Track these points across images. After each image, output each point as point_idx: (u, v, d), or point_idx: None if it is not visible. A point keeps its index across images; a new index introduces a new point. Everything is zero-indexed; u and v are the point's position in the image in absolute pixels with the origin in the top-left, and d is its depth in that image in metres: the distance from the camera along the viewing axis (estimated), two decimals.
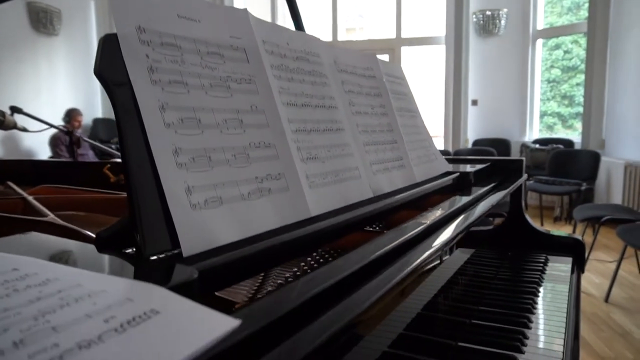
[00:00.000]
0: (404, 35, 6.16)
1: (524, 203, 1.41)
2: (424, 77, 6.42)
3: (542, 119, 5.99)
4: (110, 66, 0.42)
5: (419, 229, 0.64)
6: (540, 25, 5.74)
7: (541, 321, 0.85)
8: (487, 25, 5.73)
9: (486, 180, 1.17)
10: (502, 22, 5.70)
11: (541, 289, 1.00)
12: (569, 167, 4.61)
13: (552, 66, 6.01)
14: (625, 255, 2.85)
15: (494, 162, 1.29)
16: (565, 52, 5.93)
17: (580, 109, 5.30)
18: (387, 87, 1.00)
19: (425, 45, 6.19)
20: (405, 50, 6.20)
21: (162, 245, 0.41)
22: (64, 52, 5.31)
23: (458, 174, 1.07)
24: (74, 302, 0.27)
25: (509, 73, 5.81)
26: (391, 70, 1.08)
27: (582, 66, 5.29)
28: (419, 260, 0.56)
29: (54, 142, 4.73)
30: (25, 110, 1.97)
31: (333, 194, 0.67)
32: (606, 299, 2.80)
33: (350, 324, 0.40)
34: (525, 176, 1.26)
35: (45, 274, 0.31)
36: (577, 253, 1.24)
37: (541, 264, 1.15)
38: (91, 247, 0.41)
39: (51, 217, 0.67)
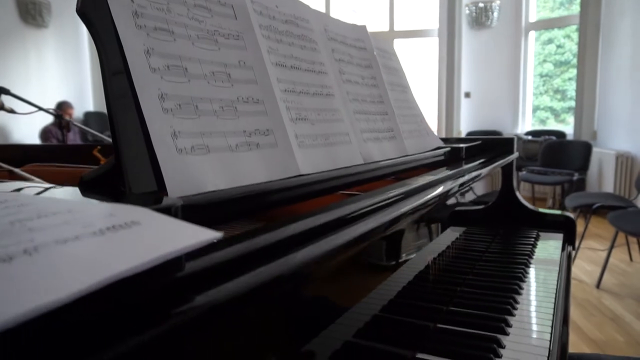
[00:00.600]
0: (396, 28, 6.15)
1: (516, 183, 1.42)
2: (417, 70, 6.42)
3: (535, 113, 6.01)
4: (93, 6, 0.41)
5: (398, 190, 0.64)
6: (533, 18, 5.76)
7: (532, 290, 0.86)
8: (480, 17, 5.74)
9: (477, 157, 1.17)
10: (495, 14, 5.71)
11: (532, 261, 1.01)
12: (561, 158, 4.64)
13: (544, 60, 6.03)
14: (616, 243, 2.87)
15: (485, 140, 1.30)
16: (558, 46, 5.96)
17: (573, 103, 5.32)
18: (378, 61, 1.00)
19: (418, 38, 6.19)
20: (398, 43, 6.20)
21: (147, 187, 0.40)
22: (54, 45, 5.25)
23: (449, 148, 1.07)
24: (52, 214, 0.26)
25: (502, 65, 5.83)
26: (382, 45, 1.07)
27: (575, 60, 5.31)
28: (393, 215, 0.55)
29: (44, 135, 4.68)
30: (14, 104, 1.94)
31: (323, 155, 0.66)
32: (597, 285, 2.82)
33: (310, 266, 0.40)
34: (516, 154, 1.26)
35: (23, 200, 0.31)
36: (568, 229, 1.25)
37: (532, 239, 1.15)
38: (74, 189, 0.40)
39: (37, 180, 0.66)
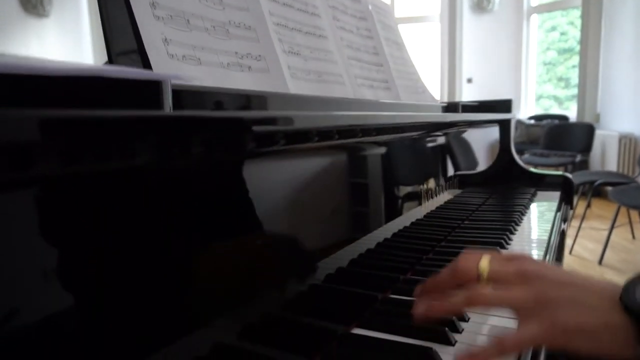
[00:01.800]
0: (397, 14, 6.12)
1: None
2: (419, 56, 6.39)
3: (538, 101, 5.97)
4: None
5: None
6: (535, 2, 5.71)
7: (526, 231, 0.86)
8: (482, 2, 5.70)
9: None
10: None
11: (528, 211, 1.01)
12: (563, 140, 4.62)
13: (548, 48, 5.98)
14: (619, 222, 2.87)
15: (483, 102, 1.30)
16: (562, 33, 5.90)
17: (577, 91, 5.26)
18: (373, 16, 1.00)
19: (419, 23, 6.16)
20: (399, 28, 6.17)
21: None
22: (55, 35, 5.26)
23: (447, 104, 1.08)
24: None
25: (504, 50, 5.79)
26: (377, 2, 1.08)
27: (579, 48, 5.26)
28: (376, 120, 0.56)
29: None
30: None
31: (315, 90, 0.67)
32: (600, 262, 2.82)
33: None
34: (514, 114, 1.27)
35: None
36: (565, 189, 1.25)
37: (530, 194, 1.16)
38: None
39: None
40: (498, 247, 0.64)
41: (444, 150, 0.98)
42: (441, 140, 1.00)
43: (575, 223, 3.32)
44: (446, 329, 0.47)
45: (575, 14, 5.40)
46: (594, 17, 4.84)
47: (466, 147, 1.16)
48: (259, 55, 0.57)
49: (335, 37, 0.80)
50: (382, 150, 0.67)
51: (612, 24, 4.71)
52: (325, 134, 0.45)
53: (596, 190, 4.78)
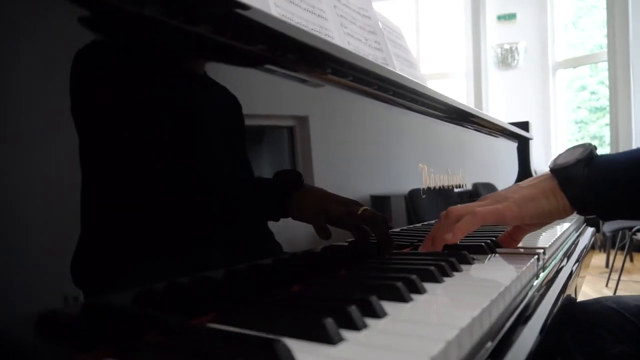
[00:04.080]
0: (423, 70, 6.29)
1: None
2: None
3: None
4: None
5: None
6: (560, 57, 5.79)
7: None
8: (506, 59, 5.81)
9: None
10: (521, 55, 5.78)
11: None
12: None
13: (579, 107, 5.96)
14: None
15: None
16: (592, 93, 5.90)
17: (609, 150, 5.15)
18: (383, 33, 1.04)
19: (445, 79, 6.30)
20: None
21: None
22: None
23: None
24: None
25: (531, 105, 5.81)
26: (389, 23, 1.13)
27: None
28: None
29: None
30: None
31: None
32: None
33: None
34: (531, 133, 1.25)
35: None
36: None
37: None
38: None
39: None
40: (487, 241, 0.61)
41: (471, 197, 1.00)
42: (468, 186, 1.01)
43: (614, 276, 3.11)
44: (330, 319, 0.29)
45: (605, 75, 5.37)
46: (621, 70, 4.83)
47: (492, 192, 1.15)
48: None
49: (342, 40, 0.84)
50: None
51: None
52: (335, 64, 0.47)
53: (638, 246, 4.53)
